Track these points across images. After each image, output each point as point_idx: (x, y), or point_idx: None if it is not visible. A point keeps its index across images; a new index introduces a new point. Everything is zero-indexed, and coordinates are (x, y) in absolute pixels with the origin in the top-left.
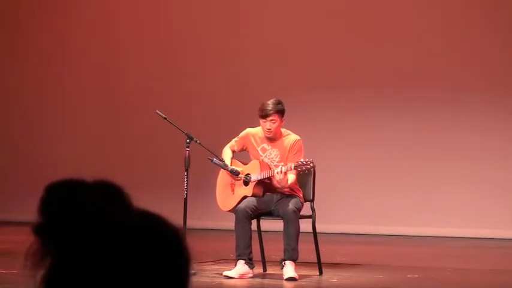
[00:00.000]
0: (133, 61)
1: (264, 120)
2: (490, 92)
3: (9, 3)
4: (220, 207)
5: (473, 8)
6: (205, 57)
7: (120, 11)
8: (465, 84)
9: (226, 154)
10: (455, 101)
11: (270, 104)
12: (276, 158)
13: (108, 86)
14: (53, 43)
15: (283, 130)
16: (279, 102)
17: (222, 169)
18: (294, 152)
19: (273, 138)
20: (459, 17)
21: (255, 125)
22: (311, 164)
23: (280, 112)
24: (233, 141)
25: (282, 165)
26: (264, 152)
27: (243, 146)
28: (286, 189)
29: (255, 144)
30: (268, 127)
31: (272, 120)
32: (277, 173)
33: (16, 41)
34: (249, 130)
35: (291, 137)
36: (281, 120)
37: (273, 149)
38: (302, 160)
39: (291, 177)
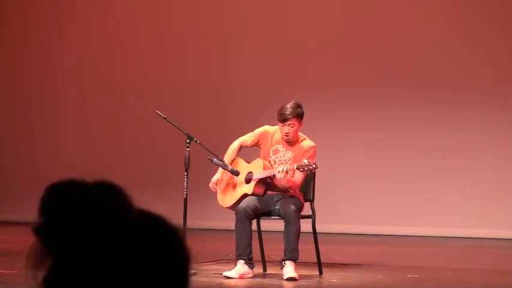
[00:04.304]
0: (133, 61)
1: (282, 125)
2: (490, 92)
3: (9, 6)
4: (220, 203)
5: (473, 8)
6: (205, 57)
7: (119, 11)
8: (465, 84)
9: (229, 155)
10: (455, 101)
11: (289, 108)
12: (289, 160)
13: (107, 86)
14: (52, 44)
15: (299, 134)
16: (298, 106)
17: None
18: (307, 157)
19: (290, 141)
20: (459, 17)
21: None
22: (313, 165)
23: (299, 116)
24: (247, 136)
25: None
26: (276, 153)
27: (257, 143)
28: (288, 192)
29: (269, 144)
30: (287, 131)
31: (290, 124)
32: (278, 171)
33: (16, 42)
34: (267, 128)
35: (306, 142)
36: (300, 124)
37: (287, 151)
38: (305, 161)
39: (297, 178)
